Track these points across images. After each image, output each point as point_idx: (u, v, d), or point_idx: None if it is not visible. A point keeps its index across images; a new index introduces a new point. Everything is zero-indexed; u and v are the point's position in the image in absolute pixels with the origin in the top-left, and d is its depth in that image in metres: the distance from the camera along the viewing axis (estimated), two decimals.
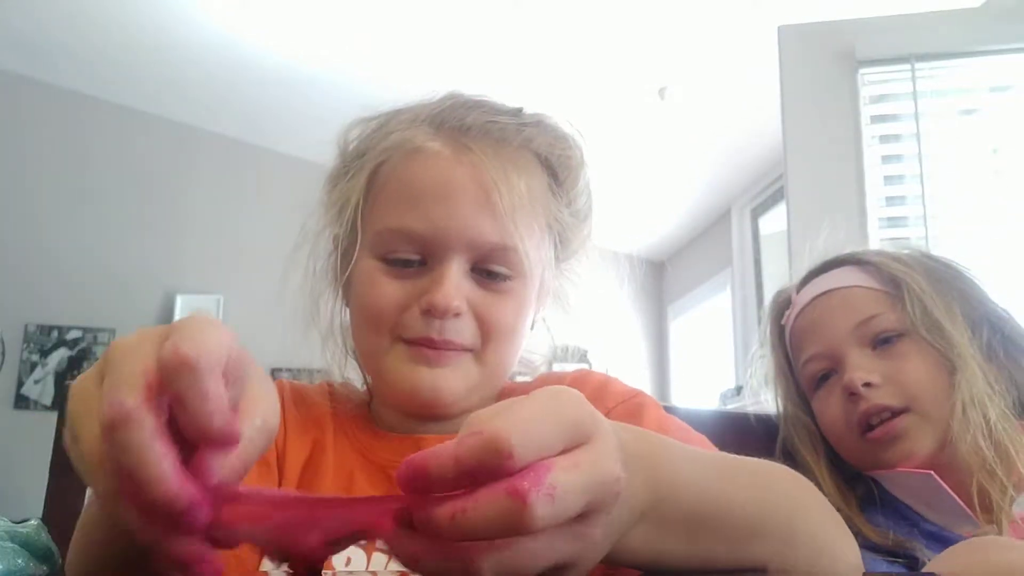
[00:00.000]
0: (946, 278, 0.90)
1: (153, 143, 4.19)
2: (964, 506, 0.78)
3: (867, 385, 0.84)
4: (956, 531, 0.79)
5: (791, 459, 0.91)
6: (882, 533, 0.79)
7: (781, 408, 0.96)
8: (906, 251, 0.95)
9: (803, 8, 2.62)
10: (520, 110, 0.71)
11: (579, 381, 0.71)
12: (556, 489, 0.29)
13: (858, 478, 0.89)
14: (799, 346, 0.93)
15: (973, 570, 0.45)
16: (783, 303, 0.98)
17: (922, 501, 0.83)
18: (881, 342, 0.87)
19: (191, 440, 0.32)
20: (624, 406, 0.66)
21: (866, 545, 0.78)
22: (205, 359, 0.31)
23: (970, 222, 1.84)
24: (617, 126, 3.80)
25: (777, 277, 4.18)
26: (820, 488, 0.86)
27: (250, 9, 3.27)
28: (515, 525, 0.29)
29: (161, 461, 0.31)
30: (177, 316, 4.09)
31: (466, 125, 0.66)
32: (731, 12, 3.03)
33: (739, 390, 4.14)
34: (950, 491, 0.79)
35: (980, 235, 1.81)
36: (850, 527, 0.82)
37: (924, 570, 0.45)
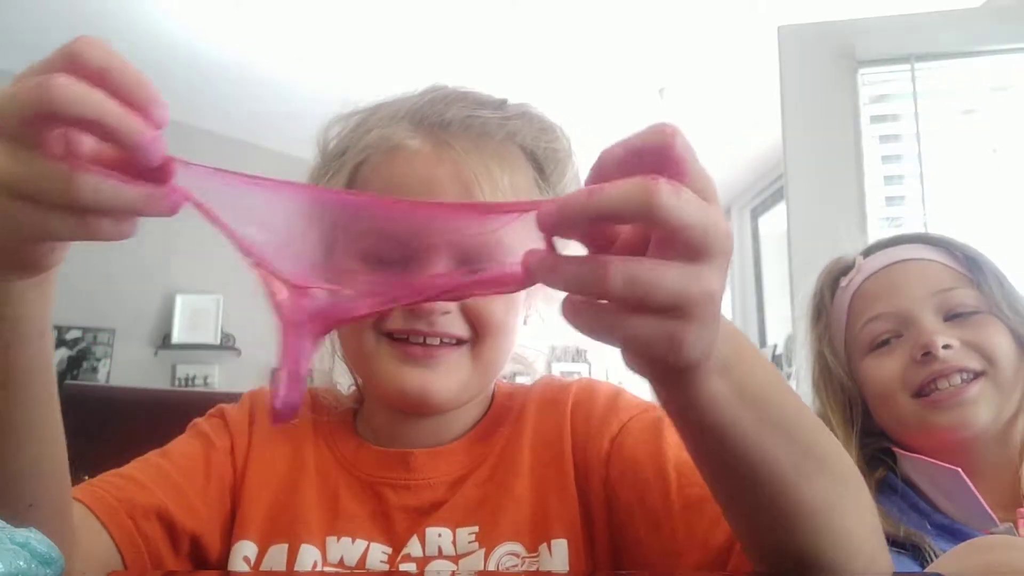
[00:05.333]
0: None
1: None
2: (987, 507, 0.78)
3: (946, 347, 0.84)
4: (974, 527, 0.79)
5: None
6: (893, 522, 0.79)
7: (817, 374, 0.96)
8: None
9: (803, 8, 2.62)
10: (504, 102, 0.68)
11: (586, 390, 0.69)
12: (683, 191, 0.33)
13: (879, 461, 0.89)
14: (863, 307, 0.92)
15: (977, 570, 0.45)
16: (844, 267, 0.97)
17: (943, 494, 0.82)
18: (955, 315, 0.87)
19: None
20: (641, 418, 0.64)
21: None
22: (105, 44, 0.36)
23: (970, 222, 1.84)
24: (617, 126, 3.79)
25: (777, 277, 4.18)
26: None
27: (243, 9, 3.27)
28: (643, 202, 0.32)
29: (110, 101, 0.35)
30: (177, 316, 4.10)
31: (446, 120, 0.64)
32: (730, 12, 3.04)
33: None
34: (975, 491, 0.79)
35: (980, 235, 1.81)
36: None
37: (928, 569, 0.45)
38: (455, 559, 0.60)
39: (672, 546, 0.56)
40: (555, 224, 0.34)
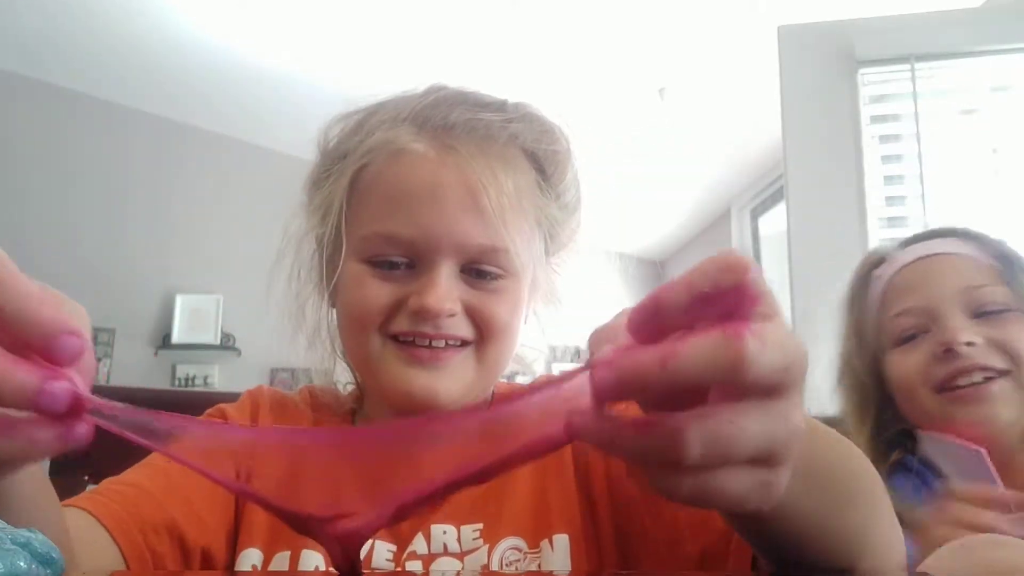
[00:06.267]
0: None
1: (154, 143, 4.20)
2: (1005, 490, 0.77)
3: (969, 344, 0.83)
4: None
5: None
6: (897, 501, 0.79)
7: (843, 363, 0.96)
8: None
9: (803, 8, 2.63)
10: (504, 103, 0.68)
11: None
12: (765, 334, 0.28)
13: (898, 444, 0.88)
14: (893, 299, 0.92)
15: (963, 569, 0.45)
16: (878, 259, 0.97)
17: (963, 475, 0.81)
18: (984, 313, 0.86)
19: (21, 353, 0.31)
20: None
21: None
22: (4, 262, 0.31)
23: (970, 222, 1.84)
24: (617, 126, 3.80)
25: (777, 277, 4.18)
26: None
27: (245, 8, 3.27)
28: (730, 363, 0.28)
29: None
30: (177, 316, 4.10)
31: (450, 123, 0.64)
32: (730, 12, 3.03)
33: None
34: (995, 473, 0.77)
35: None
36: None
37: (919, 569, 0.45)
38: (460, 556, 0.60)
39: (675, 533, 0.56)
40: (616, 394, 0.29)
